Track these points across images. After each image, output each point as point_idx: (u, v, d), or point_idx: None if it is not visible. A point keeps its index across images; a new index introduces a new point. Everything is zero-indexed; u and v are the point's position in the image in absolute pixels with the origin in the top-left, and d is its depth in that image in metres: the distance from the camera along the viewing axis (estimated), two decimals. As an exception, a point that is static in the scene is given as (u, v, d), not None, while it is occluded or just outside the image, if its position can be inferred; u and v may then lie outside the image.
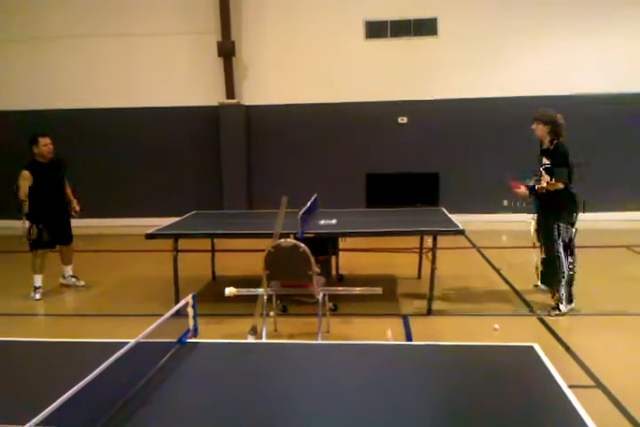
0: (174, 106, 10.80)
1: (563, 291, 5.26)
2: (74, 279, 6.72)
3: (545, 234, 5.42)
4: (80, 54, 10.82)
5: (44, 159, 6.26)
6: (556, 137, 5.27)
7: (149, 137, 10.92)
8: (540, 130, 5.33)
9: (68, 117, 10.64)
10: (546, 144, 5.35)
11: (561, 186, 5.14)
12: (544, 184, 5.22)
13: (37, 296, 6.22)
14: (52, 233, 6.25)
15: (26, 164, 6.22)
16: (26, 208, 6.08)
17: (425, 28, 10.39)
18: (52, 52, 10.81)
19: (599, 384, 3.72)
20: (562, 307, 5.24)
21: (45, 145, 6.21)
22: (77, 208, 6.54)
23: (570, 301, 5.30)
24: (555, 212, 5.26)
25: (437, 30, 10.36)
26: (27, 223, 6.09)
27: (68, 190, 6.58)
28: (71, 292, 6.56)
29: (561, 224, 5.22)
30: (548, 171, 5.25)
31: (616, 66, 10.08)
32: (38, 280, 6.29)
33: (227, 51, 10.35)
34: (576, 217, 5.27)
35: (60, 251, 6.58)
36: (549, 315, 5.22)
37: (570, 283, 5.30)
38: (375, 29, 10.50)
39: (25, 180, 6.10)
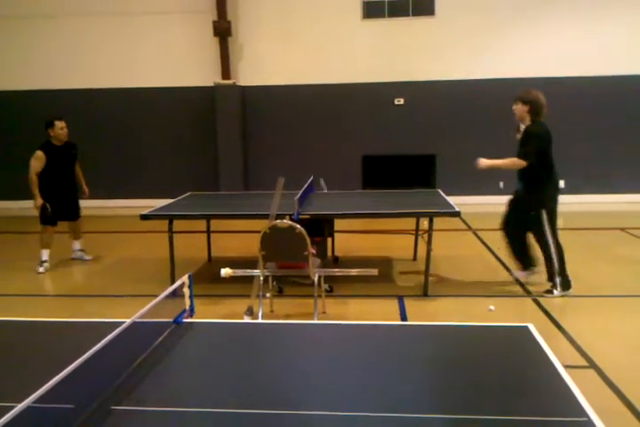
0: (169, 86, 10.70)
1: (557, 279, 5.24)
2: (81, 253, 6.88)
3: (527, 221, 5.29)
4: (72, 33, 10.66)
5: (59, 142, 6.37)
6: (535, 116, 5.17)
7: (144, 118, 10.84)
8: (520, 110, 5.21)
9: (59, 98, 10.52)
10: (525, 124, 5.24)
11: (524, 163, 5.07)
12: (506, 161, 5.16)
13: (41, 269, 6.34)
14: (57, 211, 6.39)
15: (41, 145, 6.33)
16: (35, 187, 6.20)
17: (422, 7, 10.28)
18: (43, 30, 10.64)
19: (593, 364, 3.75)
20: (555, 292, 5.25)
21: (61, 128, 6.35)
22: (86, 191, 6.80)
23: (566, 287, 5.26)
24: (538, 198, 5.16)
25: (435, 10, 10.25)
26: (39, 201, 6.23)
27: (80, 173, 6.77)
28: (76, 268, 6.64)
29: (546, 210, 5.14)
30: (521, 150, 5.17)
31: (617, 48, 9.99)
32: (45, 255, 6.43)
33: (223, 30, 10.22)
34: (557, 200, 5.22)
35: (69, 227, 6.75)
36: (543, 296, 5.25)
37: (562, 269, 5.24)
38: (373, 9, 10.39)
39: (38, 160, 6.22)
